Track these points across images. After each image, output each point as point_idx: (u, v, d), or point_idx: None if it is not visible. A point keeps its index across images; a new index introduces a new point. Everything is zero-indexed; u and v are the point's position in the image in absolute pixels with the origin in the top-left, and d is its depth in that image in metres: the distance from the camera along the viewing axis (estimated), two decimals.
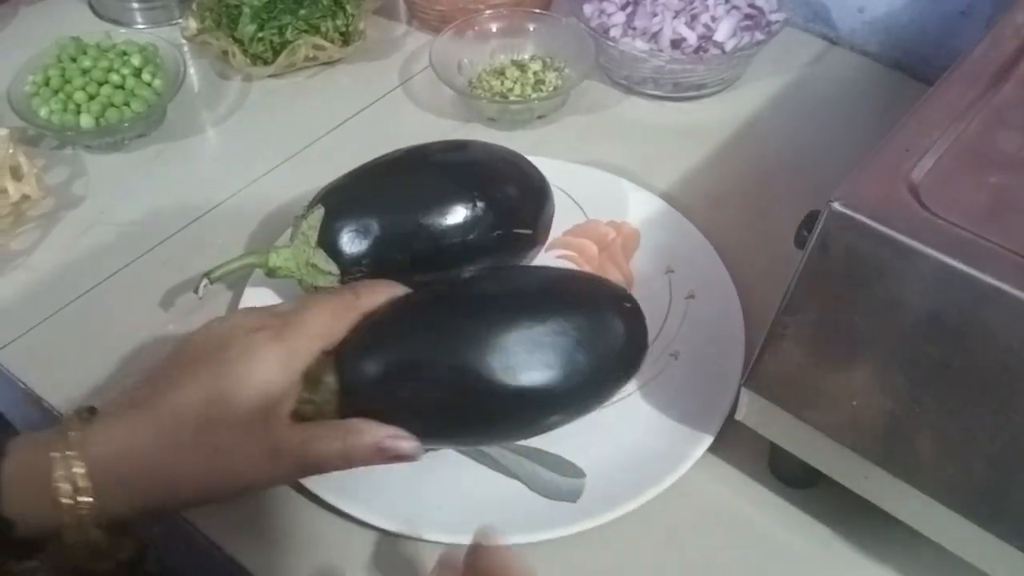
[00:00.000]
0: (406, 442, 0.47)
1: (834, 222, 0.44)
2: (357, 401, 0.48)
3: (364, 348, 0.49)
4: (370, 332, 0.50)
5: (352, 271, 0.57)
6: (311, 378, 0.48)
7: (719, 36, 0.75)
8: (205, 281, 0.58)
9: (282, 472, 0.47)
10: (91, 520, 0.43)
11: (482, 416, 0.50)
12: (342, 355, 0.49)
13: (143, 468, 0.45)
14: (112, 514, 0.44)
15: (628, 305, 0.55)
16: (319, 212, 0.57)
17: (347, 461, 0.46)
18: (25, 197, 0.70)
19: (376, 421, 0.47)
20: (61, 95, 0.73)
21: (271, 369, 0.46)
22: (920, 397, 0.44)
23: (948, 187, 0.45)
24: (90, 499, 0.43)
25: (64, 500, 0.43)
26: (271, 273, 0.59)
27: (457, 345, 0.49)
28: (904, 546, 0.51)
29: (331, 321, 0.49)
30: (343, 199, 0.59)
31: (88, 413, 0.46)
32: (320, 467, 0.47)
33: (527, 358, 0.49)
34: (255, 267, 0.60)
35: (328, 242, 0.57)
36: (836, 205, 0.44)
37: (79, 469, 0.43)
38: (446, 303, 0.52)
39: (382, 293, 0.51)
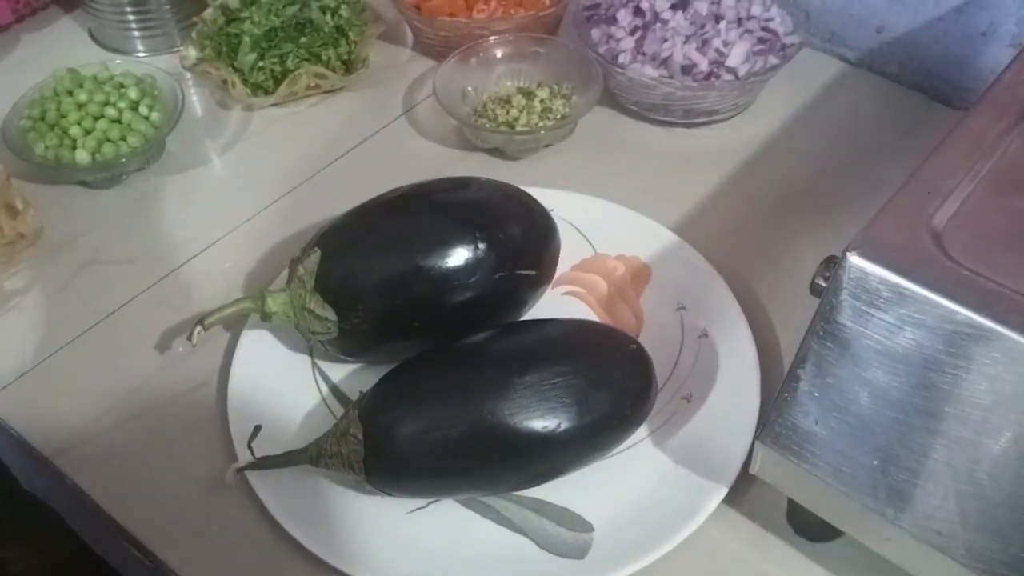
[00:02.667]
0: None
1: (851, 273, 0.41)
2: (380, 453, 0.51)
3: (386, 404, 0.52)
4: (391, 390, 0.53)
5: (349, 316, 0.55)
6: (339, 432, 0.52)
7: (732, 61, 0.72)
8: (199, 328, 0.57)
9: None
10: None
11: (498, 460, 0.51)
12: (366, 412, 0.51)
13: None
14: None
15: (633, 346, 0.56)
16: (315, 256, 0.55)
17: None
18: (20, 235, 0.69)
19: None
20: (57, 130, 0.72)
21: None
22: (944, 457, 0.41)
23: (973, 233, 0.42)
24: None
25: None
26: (267, 318, 0.57)
27: (471, 398, 0.51)
28: None
29: None
30: (340, 241, 0.57)
31: None
32: None
33: (537, 401, 0.50)
34: (250, 312, 0.58)
35: (325, 286, 0.55)
36: (853, 255, 0.41)
37: None
38: (459, 360, 0.54)
39: None
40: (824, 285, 0.43)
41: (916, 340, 0.40)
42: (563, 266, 0.66)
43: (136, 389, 0.61)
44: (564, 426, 0.50)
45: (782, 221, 0.70)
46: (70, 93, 0.73)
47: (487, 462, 0.51)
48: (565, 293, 0.65)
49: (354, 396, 0.58)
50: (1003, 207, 0.44)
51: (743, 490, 0.53)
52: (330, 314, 0.55)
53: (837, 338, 0.43)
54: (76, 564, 0.88)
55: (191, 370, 0.62)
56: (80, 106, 0.72)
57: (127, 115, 0.72)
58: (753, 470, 0.49)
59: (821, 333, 0.43)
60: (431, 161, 0.76)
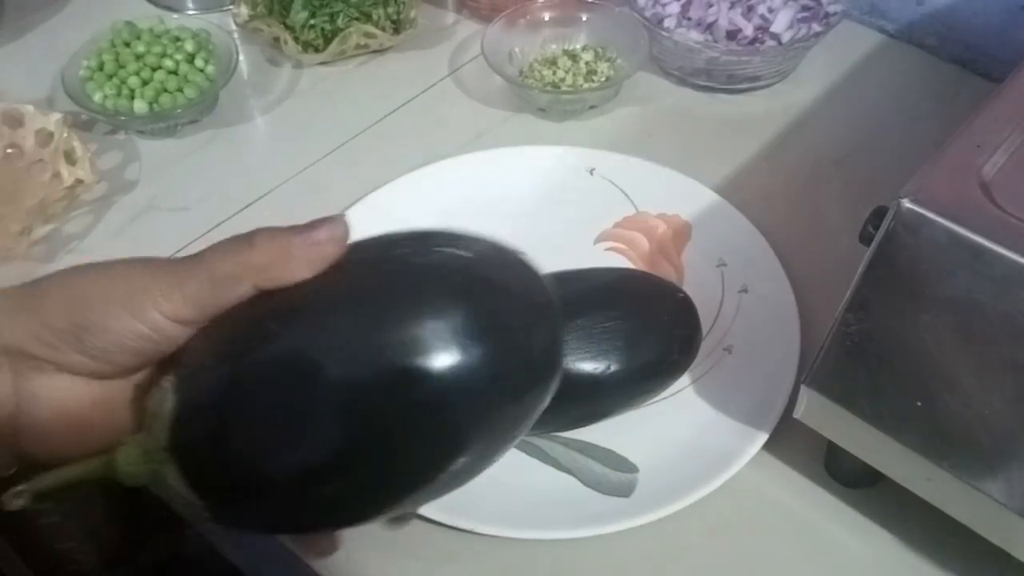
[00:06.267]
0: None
1: (903, 219, 0.43)
2: None
3: None
4: None
5: None
6: None
7: (776, 27, 0.74)
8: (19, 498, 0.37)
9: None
10: None
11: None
12: None
13: None
14: None
15: (680, 295, 0.57)
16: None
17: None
18: (79, 181, 0.71)
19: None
20: (115, 80, 0.74)
21: None
22: (988, 398, 0.43)
23: (1021, 184, 0.44)
24: None
25: None
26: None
27: None
28: (965, 550, 0.50)
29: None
30: None
31: None
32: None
33: (588, 344, 0.51)
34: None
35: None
36: (906, 202, 0.43)
37: None
38: None
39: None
40: (874, 233, 0.45)
41: (965, 285, 0.42)
42: (606, 223, 0.68)
43: None
44: (613, 368, 0.52)
45: (820, 185, 0.71)
46: (127, 44, 0.75)
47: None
48: (608, 249, 0.67)
49: None
50: None
51: (782, 437, 0.55)
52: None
53: (886, 284, 0.44)
54: (113, 514, 0.90)
55: None
56: (138, 57, 0.74)
57: (184, 67, 0.74)
58: (797, 414, 0.51)
59: (871, 278, 0.45)
60: (476, 120, 0.78)
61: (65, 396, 0.38)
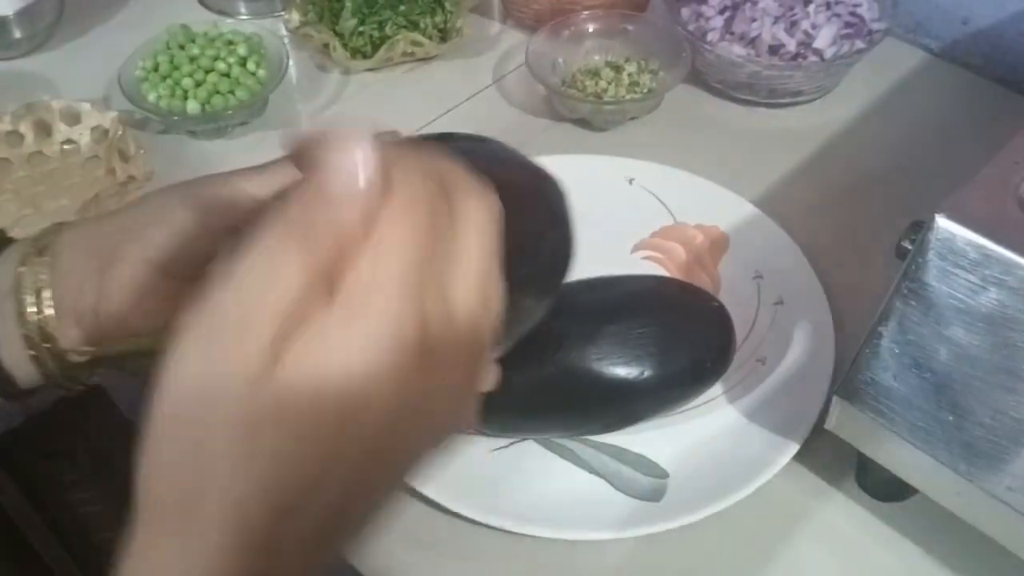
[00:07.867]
0: None
1: (938, 234, 0.43)
2: None
3: None
4: None
5: None
6: None
7: (819, 43, 0.74)
8: None
9: None
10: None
11: (583, 402, 0.54)
12: None
13: None
14: None
15: (715, 304, 0.58)
16: None
17: None
18: (131, 178, 0.73)
19: None
20: (169, 81, 0.76)
21: None
22: (1019, 414, 0.43)
23: None
24: None
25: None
26: None
27: (560, 341, 0.53)
28: (995, 566, 0.50)
29: None
30: None
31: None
32: None
33: (623, 349, 0.53)
34: None
35: None
36: (941, 217, 0.43)
37: None
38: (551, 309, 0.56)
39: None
40: (909, 248, 0.45)
41: (998, 300, 0.42)
42: (643, 232, 0.69)
43: None
44: (647, 374, 0.53)
45: (859, 201, 0.72)
46: (182, 47, 0.77)
47: (572, 403, 0.54)
48: (644, 258, 0.68)
49: None
50: None
51: (814, 448, 0.55)
52: None
53: (921, 297, 0.45)
54: None
55: None
56: (192, 59, 0.76)
57: (235, 70, 0.76)
58: (828, 425, 0.51)
59: (905, 292, 0.45)
60: (519, 128, 0.79)
61: (143, 287, 0.43)
